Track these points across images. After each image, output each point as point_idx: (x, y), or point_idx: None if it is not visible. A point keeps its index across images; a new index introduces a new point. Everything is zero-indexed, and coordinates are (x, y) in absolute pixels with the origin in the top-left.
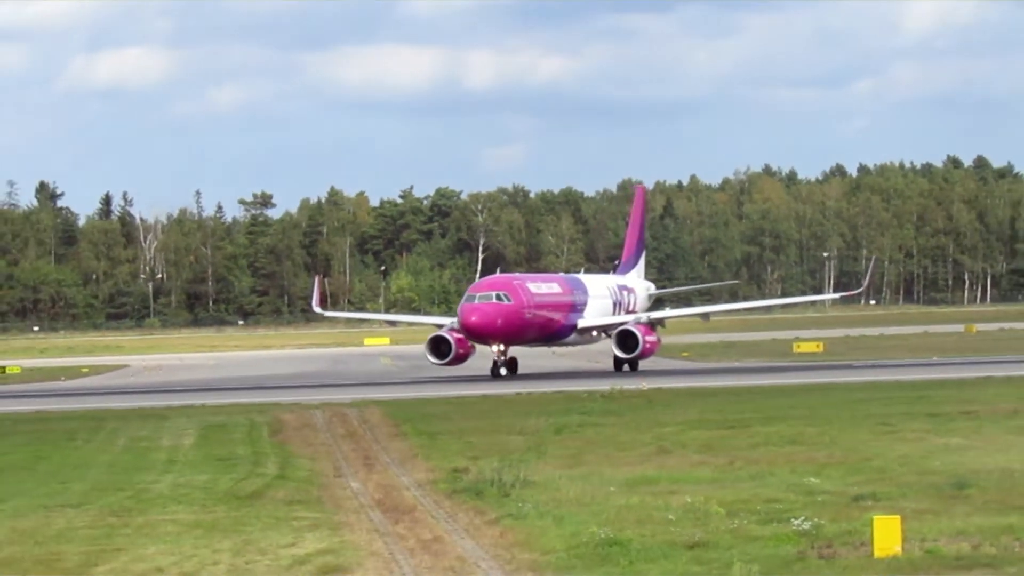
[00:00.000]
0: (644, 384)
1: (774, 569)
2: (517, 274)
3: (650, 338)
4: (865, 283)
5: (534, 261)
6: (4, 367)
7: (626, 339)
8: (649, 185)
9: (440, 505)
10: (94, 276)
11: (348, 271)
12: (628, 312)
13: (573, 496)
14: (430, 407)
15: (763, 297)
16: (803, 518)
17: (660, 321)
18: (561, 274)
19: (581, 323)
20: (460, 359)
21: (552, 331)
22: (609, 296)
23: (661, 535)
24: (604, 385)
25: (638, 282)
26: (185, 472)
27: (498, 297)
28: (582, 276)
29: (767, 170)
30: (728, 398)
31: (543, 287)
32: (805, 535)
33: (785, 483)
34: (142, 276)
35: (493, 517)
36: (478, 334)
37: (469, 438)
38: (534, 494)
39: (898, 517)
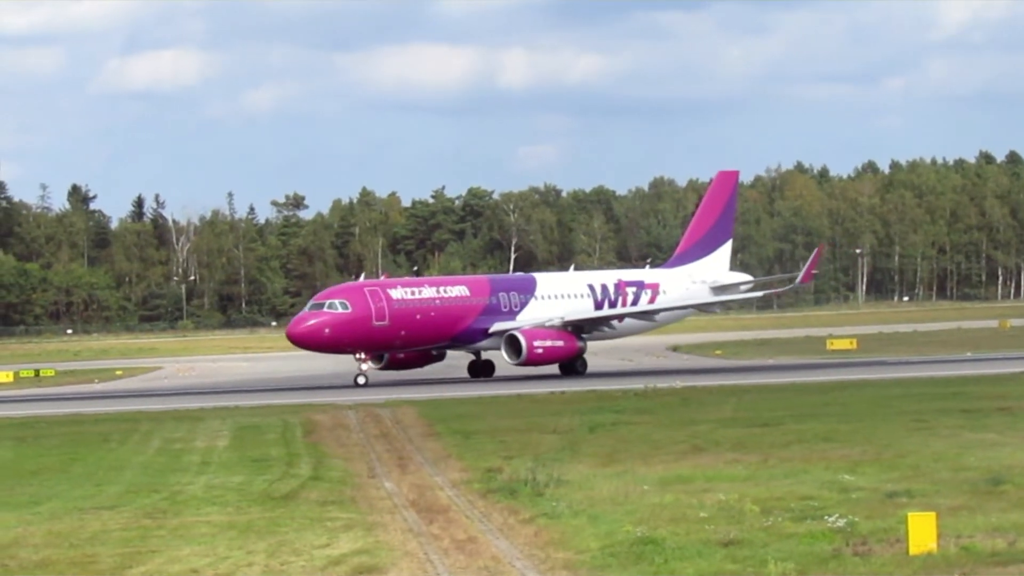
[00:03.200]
0: (678, 382)
1: (809, 567)
2: (385, 279)
3: (542, 343)
4: (802, 275)
5: (566, 260)
6: (38, 370)
7: (512, 343)
8: (681, 183)
9: (474, 505)
10: (127, 278)
11: (380, 271)
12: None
13: (607, 495)
14: (463, 407)
15: (796, 296)
16: (838, 515)
17: (602, 323)
18: (488, 275)
19: (500, 327)
20: (398, 364)
21: (451, 335)
22: (585, 296)
23: (695, 533)
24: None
25: (675, 276)
26: (219, 473)
27: (332, 306)
28: (539, 275)
29: (799, 167)
30: (762, 396)
31: (425, 292)
32: (840, 532)
33: (819, 480)
34: (175, 278)
35: (527, 516)
36: (301, 345)
37: (503, 437)
38: (568, 493)
39: (933, 514)
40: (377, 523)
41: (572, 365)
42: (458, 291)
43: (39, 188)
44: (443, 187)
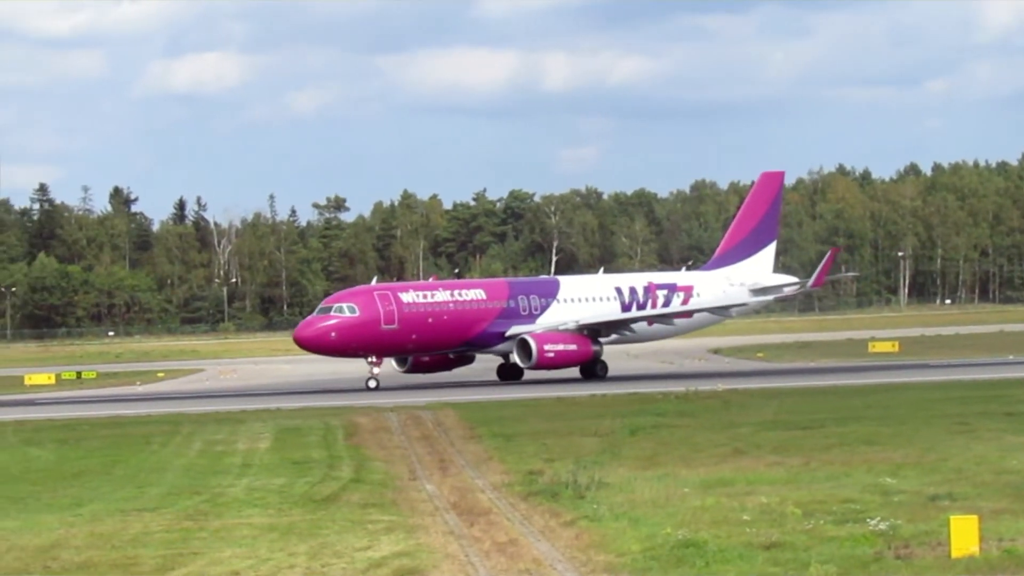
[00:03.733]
0: (719, 385)
1: (851, 570)
2: (398, 283)
3: (554, 347)
4: (814, 279)
5: (608, 262)
6: (80, 372)
7: (523, 347)
8: (722, 185)
9: (515, 507)
10: (168, 281)
11: (422, 274)
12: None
13: (648, 497)
14: (505, 409)
15: (838, 298)
16: (879, 518)
17: (619, 327)
18: (508, 279)
19: (518, 330)
20: (423, 367)
21: (466, 339)
22: (612, 299)
23: (737, 536)
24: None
25: (711, 279)
26: (261, 476)
27: (339, 310)
28: (564, 278)
29: (841, 169)
30: (803, 399)
31: (439, 295)
32: (882, 535)
33: (861, 483)
34: (216, 280)
35: (568, 519)
36: (307, 349)
37: (544, 440)
38: (609, 496)
39: (975, 517)
40: (418, 525)
41: (591, 369)
42: (474, 295)
43: (81, 190)
44: (484, 189)
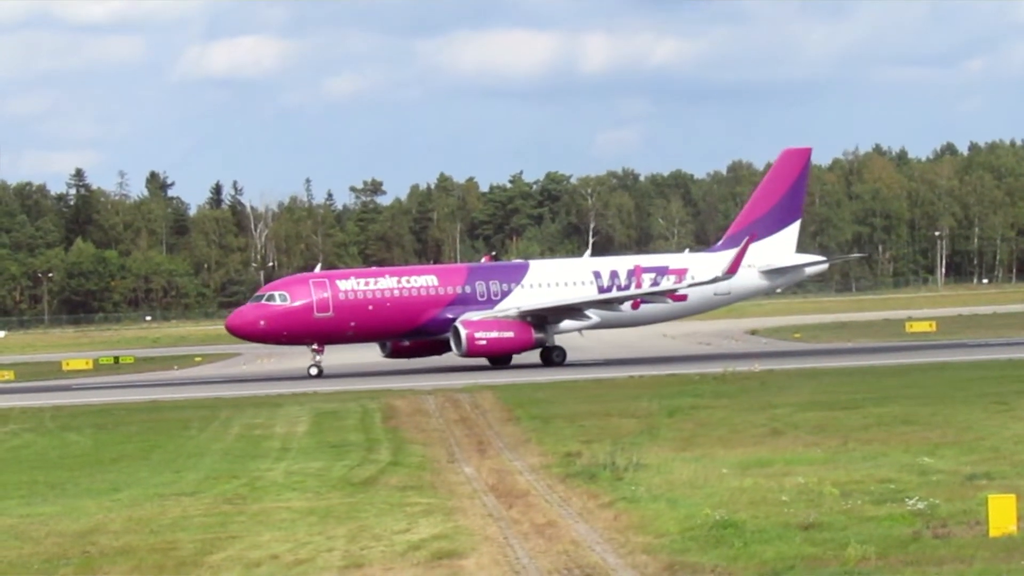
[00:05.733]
0: (757, 366)
1: (889, 550)
2: (341, 270)
3: (486, 334)
4: (729, 267)
5: (644, 244)
6: (117, 357)
7: (456, 335)
8: (759, 166)
9: (553, 489)
10: (205, 265)
11: (459, 257)
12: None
13: (686, 479)
14: (542, 391)
15: (875, 278)
16: (917, 498)
17: (569, 313)
18: (470, 264)
19: (470, 317)
20: (404, 352)
21: (413, 327)
22: (588, 283)
23: (775, 517)
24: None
25: (711, 261)
26: (299, 459)
27: (270, 298)
28: (535, 262)
29: (878, 149)
30: (841, 379)
31: (382, 282)
32: (920, 515)
33: (899, 463)
34: (253, 264)
35: (607, 501)
36: (239, 336)
37: (582, 422)
38: (647, 477)
39: (1013, 496)
40: (457, 508)
41: (548, 355)
42: (424, 281)
43: (117, 175)
44: (521, 172)
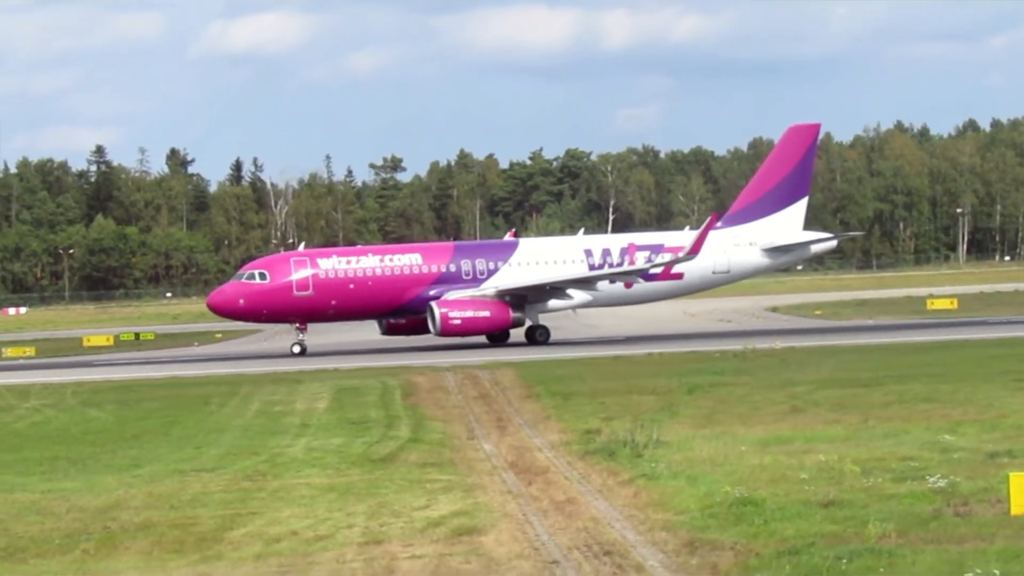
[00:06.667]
0: (777, 343)
1: (910, 527)
2: (324, 249)
3: (461, 314)
4: (690, 247)
5: (664, 221)
6: (138, 334)
7: (431, 314)
8: None
9: (573, 466)
10: (226, 242)
11: (479, 233)
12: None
13: (706, 456)
14: (562, 368)
15: (896, 255)
16: (938, 476)
17: (549, 292)
18: (457, 242)
19: (455, 296)
20: (398, 330)
21: (396, 305)
22: (578, 261)
23: (795, 494)
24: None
25: (711, 239)
26: (319, 436)
27: (250, 276)
28: (524, 240)
29: (899, 126)
30: (861, 356)
31: (365, 261)
32: (940, 493)
33: (920, 441)
34: (273, 241)
35: (626, 478)
36: (219, 314)
37: (601, 399)
38: (667, 454)
39: None
40: (476, 485)
41: (531, 335)
42: (407, 260)
43: (138, 152)
44: (541, 148)
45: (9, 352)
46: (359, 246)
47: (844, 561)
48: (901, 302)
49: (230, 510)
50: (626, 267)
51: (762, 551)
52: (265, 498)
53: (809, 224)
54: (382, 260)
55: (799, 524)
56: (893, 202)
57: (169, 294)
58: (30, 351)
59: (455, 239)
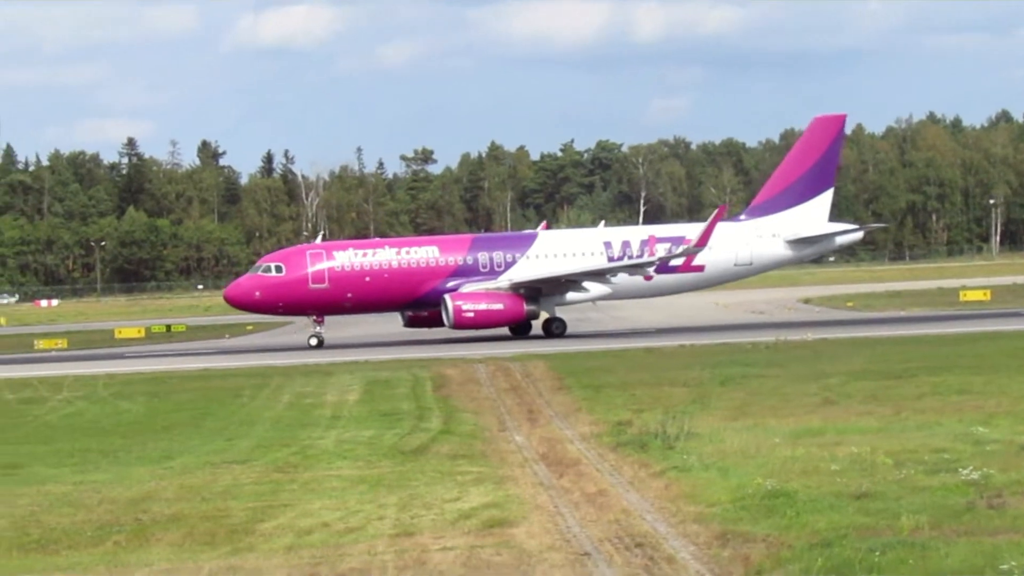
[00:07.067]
0: (809, 334)
1: (943, 520)
2: (340, 241)
3: (474, 306)
4: (698, 240)
5: (695, 212)
6: (169, 326)
7: (445, 307)
8: None
9: (604, 458)
10: (257, 233)
11: (509, 225)
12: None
13: (738, 448)
14: (593, 360)
15: (928, 247)
16: (971, 468)
17: (562, 285)
18: (475, 234)
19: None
20: (421, 322)
21: (413, 297)
22: (597, 253)
23: (827, 486)
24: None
25: (732, 231)
26: (350, 428)
27: (267, 269)
28: (543, 232)
29: (931, 117)
30: (894, 348)
31: (381, 254)
32: (974, 485)
33: (953, 433)
34: (305, 233)
35: (658, 470)
36: (236, 307)
37: (633, 391)
38: (699, 446)
39: None
40: (507, 477)
41: (548, 327)
42: (424, 252)
43: (169, 144)
44: (572, 140)
45: (41, 344)
46: (376, 239)
47: (877, 553)
48: (934, 293)
49: (261, 502)
50: (635, 260)
51: (794, 543)
52: (296, 490)
53: (841, 215)
54: (399, 253)
55: (831, 516)
56: (926, 193)
57: (200, 286)
58: (62, 343)
59: (486, 231)
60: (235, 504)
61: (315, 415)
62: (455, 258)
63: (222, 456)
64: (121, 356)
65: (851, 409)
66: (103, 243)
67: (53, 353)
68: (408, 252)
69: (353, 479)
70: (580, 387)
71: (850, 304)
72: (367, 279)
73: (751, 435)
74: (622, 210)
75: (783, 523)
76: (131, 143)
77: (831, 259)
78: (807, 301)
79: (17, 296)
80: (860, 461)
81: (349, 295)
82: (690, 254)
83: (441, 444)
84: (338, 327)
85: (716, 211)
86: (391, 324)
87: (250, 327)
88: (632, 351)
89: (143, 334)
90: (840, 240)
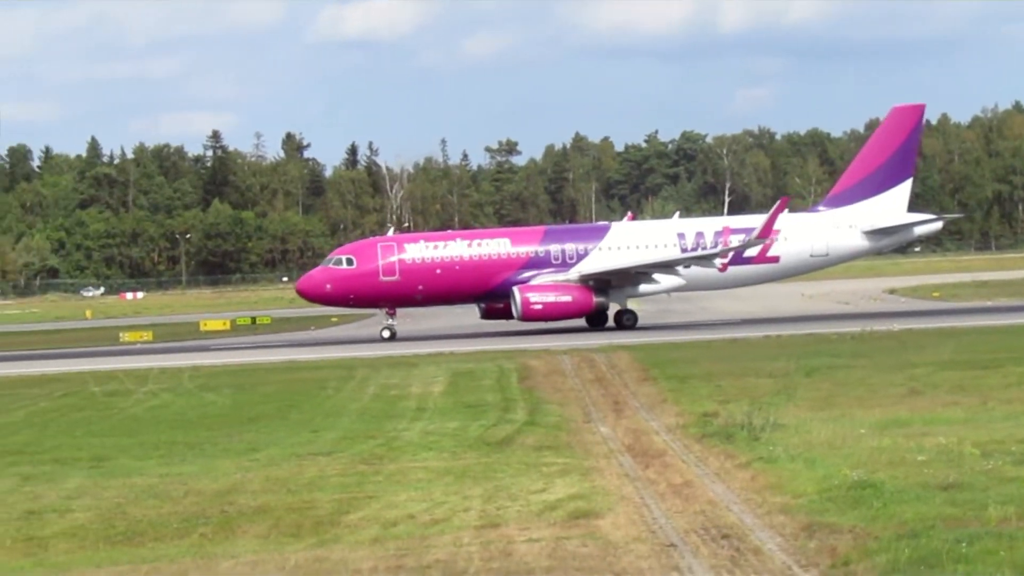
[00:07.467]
0: (895, 325)
1: None
2: (412, 234)
3: (543, 298)
4: (760, 230)
5: None
6: (254, 318)
7: (513, 300)
8: None
9: (690, 449)
10: (341, 225)
11: (594, 217)
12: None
13: (824, 439)
14: (678, 351)
15: (1015, 236)
16: None
17: (637, 276)
18: (548, 226)
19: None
20: (497, 314)
21: (485, 289)
22: (670, 245)
23: (914, 477)
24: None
25: (808, 222)
26: (435, 419)
27: (338, 262)
28: (616, 224)
29: (1017, 107)
30: (981, 338)
31: (452, 246)
32: None
33: None
34: (389, 225)
35: (743, 461)
36: (307, 299)
37: (718, 382)
38: (784, 437)
39: None
40: (593, 468)
41: (619, 319)
42: (496, 244)
43: (254, 137)
44: (656, 131)
45: (127, 337)
46: (449, 231)
47: (964, 544)
48: (1020, 283)
49: (347, 494)
50: (699, 252)
51: (881, 534)
52: (382, 482)
53: (928, 205)
54: (470, 245)
55: (918, 507)
56: (1012, 183)
57: (285, 278)
58: (147, 336)
59: (570, 222)
60: (321, 496)
61: (400, 407)
62: (527, 250)
63: (308, 448)
64: (206, 348)
65: (937, 399)
66: (188, 236)
67: (138, 346)
68: (479, 244)
69: (438, 471)
70: (666, 378)
71: (936, 294)
72: (438, 271)
73: (837, 426)
74: (707, 201)
75: (870, 514)
76: (215, 135)
77: (916, 249)
78: (892, 291)
79: (103, 289)
80: (947, 452)
81: (420, 288)
82: (751, 246)
83: (526, 435)
84: (421, 319)
85: (778, 202)
86: (472, 316)
87: (335, 319)
88: (718, 342)
89: (228, 326)
90: (918, 230)
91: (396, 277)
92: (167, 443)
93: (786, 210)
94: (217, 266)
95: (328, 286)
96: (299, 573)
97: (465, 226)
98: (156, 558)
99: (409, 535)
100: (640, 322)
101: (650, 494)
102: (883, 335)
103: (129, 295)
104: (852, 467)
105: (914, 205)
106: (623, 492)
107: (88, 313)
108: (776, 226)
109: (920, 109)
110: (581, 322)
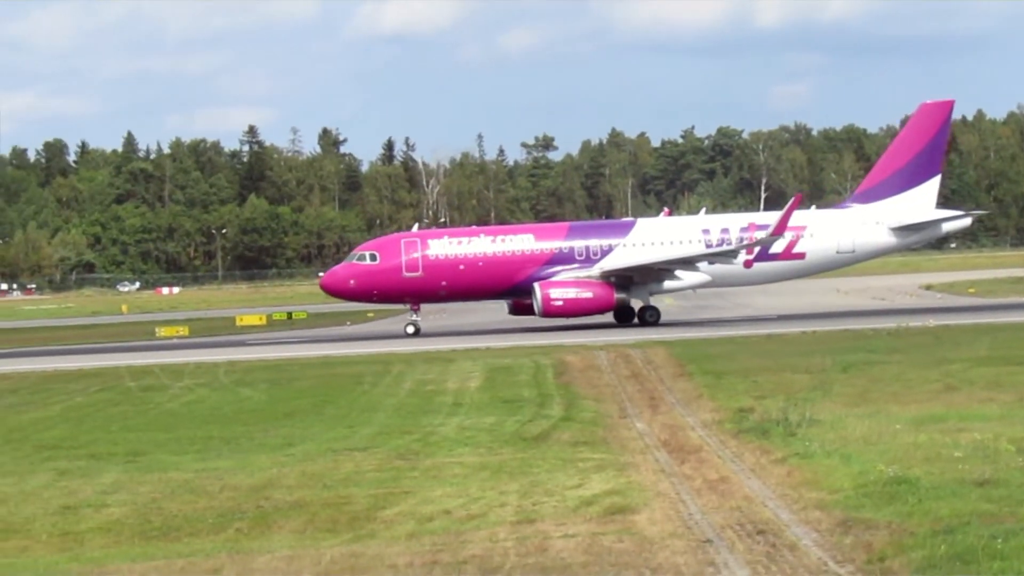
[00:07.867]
0: (931, 321)
1: None
2: (436, 230)
3: (563, 294)
4: (775, 227)
5: (817, 199)
6: (291, 313)
7: (534, 296)
8: None
9: (726, 445)
10: (378, 221)
11: (631, 212)
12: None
13: (860, 434)
14: (714, 347)
15: None
16: None
17: (658, 273)
18: (572, 222)
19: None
20: (524, 310)
21: (508, 285)
22: (695, 241)
23: (950, 473)
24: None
25: (834, 218)
26: (471, 415)
27: (361, 258)
28: (642, 220)
29: None
30: (1017, 334)
31: (475, 243)
32: None
33: None
34: (426, 220)
35: (779, 456)
36: (331, 294)
37: (754, 377)
38: (820, 433)
39: None
40: (629, 463)
41: (642, 315)
42: (520, 240)
43: (290, 132)
44: (692, 127)
45: (163, 332)
46: (473, 227)
47: (1000, 540)
48: None
49: (383, 489)
50: (718, 248)
51: (917, 530)
52: (418, 477)
53: (963, 201)
54: (493, 241)
55: (954, 503)
56: None
57: (321, 273)
58: (183, 331)
59: (606, 218)
60: (357, 491)
61: (436, 402)
62: (551, 246)
63: (344, 443)
64: (242, 343)
65: (973, 396)
66: (224, 231)
67: (174, 341)
68: (503, 241)
69: (474, 466)
70: (701, 374)
71: (972, 290)
72: (461, 267)
73: (873, 422)
74: (743, 196)
75: (905, 510)
76: (252, 131)
77: (952, 245)
78: (928, 287)
79: (139, 284)
80: (983, 448)
81: (443, 283)
82: (764, 243)
83: (562, 431)
84: (455, 314)
85: (792, 199)
86: (493, 313)
87: (371, 314)
88: (753, 338)
89: (264, 321)
90: (946, 227)
91: (419, 273)
92: (203, 438)
93: (813, 206)
94: (253, 261)
95: (352, 282)
96: (334, 568)
97: (501, 222)
98: (191, 553)
99: (445, 531)
100: (676, 318)
101: (686, 490)
102: (919, 331)
103: (165, 290)
104: (888, 463)
105: (950, 201)
106: (659, 488)
107: (124, 308)
108: (802, 222)
109: (948, 105)
110: (610, 318)
